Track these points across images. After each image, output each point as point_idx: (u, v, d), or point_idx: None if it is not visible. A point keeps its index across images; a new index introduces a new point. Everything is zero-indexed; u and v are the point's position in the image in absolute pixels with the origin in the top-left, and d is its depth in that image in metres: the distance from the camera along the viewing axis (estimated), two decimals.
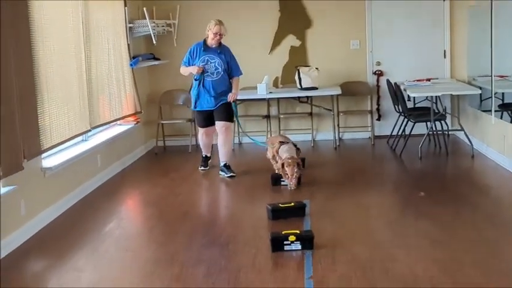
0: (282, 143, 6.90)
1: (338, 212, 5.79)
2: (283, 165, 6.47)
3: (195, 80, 7.27)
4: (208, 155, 7.74)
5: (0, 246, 4.53)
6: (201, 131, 7.56)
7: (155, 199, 6.66)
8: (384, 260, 4.52)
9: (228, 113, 7.35)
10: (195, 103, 7.36)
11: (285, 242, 4.78)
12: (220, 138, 7.36)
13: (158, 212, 6.17)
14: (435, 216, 5.52)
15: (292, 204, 5.72)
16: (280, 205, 5.67)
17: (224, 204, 6.69)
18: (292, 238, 4.77)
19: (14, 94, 5.10)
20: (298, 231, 4.87)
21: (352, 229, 5.29)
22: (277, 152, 6.80)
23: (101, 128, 7.64)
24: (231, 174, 7.28)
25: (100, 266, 4.73)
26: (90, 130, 6.99)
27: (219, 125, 7.33)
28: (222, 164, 7.39)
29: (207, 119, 7.40)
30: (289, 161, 6.44)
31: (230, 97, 7.25)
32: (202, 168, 7.70)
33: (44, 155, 5.91)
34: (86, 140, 7.27)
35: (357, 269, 4.36)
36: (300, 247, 4.76)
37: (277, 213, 5.57)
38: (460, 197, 6.20)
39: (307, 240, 4.79)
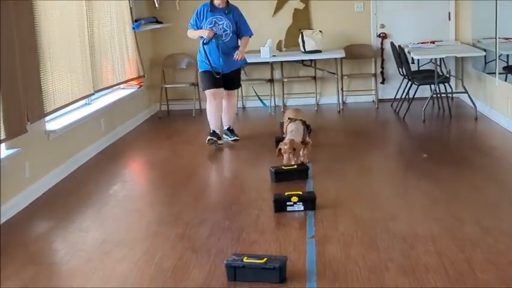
0: (290, 120, 6.21)
1: (341, 174, 5.82)
2: (279, 150, 5.84)
3: (204, 44, 6.90)
4: (217, 130, 7.04)
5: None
6: (209, 95, 6.97)
7: (159, 162, 6.71)
8: (385, 219, 4.56)
9: (237, 80, 7.20)
10: (202, 63, 6.99)
11: (287, 203, 4.82)
12: (223, 104, 7.12)
13: (162, 175, 6.21)
14: (437, 177, 5.55)
15: (295, 166, 5.75)
16: (283, 167, 5.70)
17: (228, 167, 6.73)
18: (294, 199, 4.81)
19: (17, 58, 5.11)
20: (300, 193, 4.91)
21: (354, 190, 5.33)
22: (285, 131, 6.19)
23: (104, 92, 7.65)
24: (235, 137, 7.16)
25: (105, 226, 4.80)
26: (93, 94, 7.00)
27: (225, 91, 7.09)
28: (225, 127, 7.24)
29: (216, 80, 6.91)
30: (285, 147, 5.78)
31: (237, 55, 6.87)
32: (213, 140, 6.87)
33: (47, 118, 5.93)
34: (89, 104, 7.28)
35: (358, 228, 4.41)
36: (302, 208, 4.81)
37: (280, 176, 5.60)
38: (462, 159, 6.22)
39: (309, 201, 4.84)
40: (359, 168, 6.03)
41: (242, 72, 7.30)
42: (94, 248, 4.29)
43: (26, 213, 5.13)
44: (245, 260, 3.69)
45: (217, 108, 7.02)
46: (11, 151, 5.09)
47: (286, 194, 4.90)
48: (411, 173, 5.89)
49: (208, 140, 6.88)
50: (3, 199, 4.94)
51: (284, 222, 4.66)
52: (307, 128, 6.18)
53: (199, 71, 7.12)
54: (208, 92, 6.97)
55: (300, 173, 5.69)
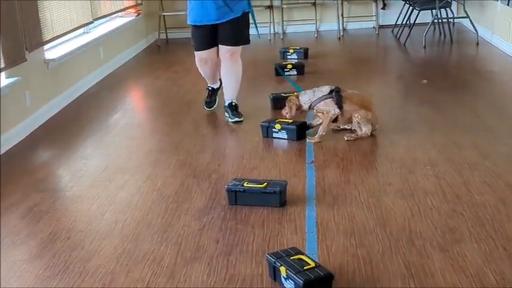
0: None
1: None
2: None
3: None
4: (215, 85, 5.71)
5: None
6: (197, 57, 5.43)
7: (159, 91, 6.71)
8: (384, 144, 4.61)
9: (238, 32, 5.27)
10: (192, 13, 5.24)
11: (273, 130, 4.87)
12: (223, 67, 5.40)
13: (162, 103, 6.22)
14: (436, 103, 5.56)
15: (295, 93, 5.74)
16: (282, 94, 5.70)
17: None
18: (278, 127, 4.84)
19: None
20: (289, 121, 4.90)
21: None
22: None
23: (102, 21, 7.57)
24: (236, 118, 5.35)
25: (106, 154, 4.84)
26: (92, 22, 6.93)
27: (223, 49, 5.30)
28: (226, 102, 5.46)
29: (207, 38, 5.29)
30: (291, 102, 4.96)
31: None
32: (206, 107, 5.73)
33: (46, 47, 5.90)
34: (87, 33, 7.22)
35: (357, 153, 4.46)
36: (286, 136, 4.82)
37: (278, 102, 5.61)
38: (462, 84, 6.22)
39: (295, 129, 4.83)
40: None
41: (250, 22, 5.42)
42: (96, 175, 4.35)
43: (28, 141, 5.17)
44: (245, 184, 3.75)
45: (212, 70, 5.54)
46: (11, 80, 5.08)
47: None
48: (411, 99, 5.90)
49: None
50: (5, 128, 4.97)
51: (284, 149, 4.71)
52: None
53: (190, 24, 5.33)
54: (197, 54, 5.42)
55: None
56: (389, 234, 3.29)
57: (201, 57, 5.39)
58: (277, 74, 6.74)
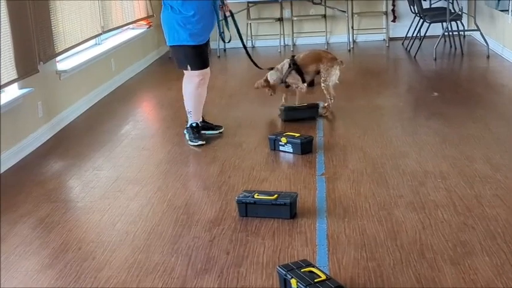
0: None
1: (351, 112, 5.83)
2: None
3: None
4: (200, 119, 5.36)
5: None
6: (199, 77, 5.12)
7: (169, 102, 6.73)
8: (395, 157, 4.60)
9: None
10: (192, 33, 4.95)
11: (279, 143, 4.86)
12: (204, 89, 5.27)
13: (172, 114, 6.24)
14: (447, 116, 5.56)
15: (305, 104, 5.76)
16: (293, 106, 5.72)
17: (238, 107, 6.73)
18: (284, 140, 4.84)
19: None
20: (295, 135, 4.89)
21: (364, 129, 5.34)
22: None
23: (114, 32, 7.63)
24: (220, 129, 5.46)
25: (117, 164, 4.86)
26: (101, 33, 6.98)
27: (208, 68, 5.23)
28: (194, 123, 5.26)
29: (206, 55, 5.20)
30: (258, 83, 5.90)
31: (226, 7, 5.23)
32: (196, 143, 5.16)
33: (58, 58, 5.95)
34: (99, 44, 7.27)
35: (368, 166, 4.45)
36: (291, 150, 4.81)
37: (290, 113, 5.62)
38: (473, 97, 6.21)
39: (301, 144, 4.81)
40: (369, 106, 6.04)
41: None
42: (108, 186, 4.37)
43: (40, 152, 5.20)
44: (256, 196, 3.75)
45: (204, 93, 5.32)
46: (24, 90, 5.12)
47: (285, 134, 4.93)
48: (421, 111, 5.89)
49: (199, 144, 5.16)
50: (17, 138, 5.01)
51: (294, 161, 4.71)
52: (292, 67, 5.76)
53: (187, 44, 4.98)
54: (200, 74, 5.13)
55: (310, 109, 5.69)
56: (400, 247, 3.28)
57: (204, 76, 5.17)
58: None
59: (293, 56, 5.88)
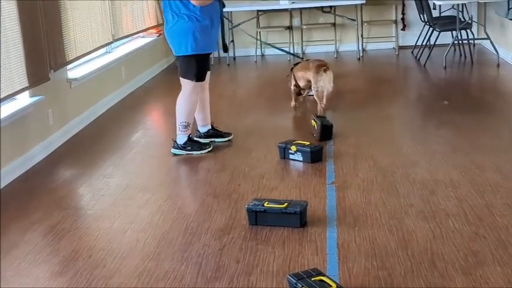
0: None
1: (361, 121, 5.83)
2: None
3: (202, 12, 4.91)
4: (207, 127, 5.49)
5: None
6: (198, 87, 5.12)
7: None
8: (405, 165, 4.59)
9: None
10: (208, 41, 5.01)
11: (289, 152, 4.86)
12: (207, 94, 5.39)
13: None
14: (458, 124, 5.54)
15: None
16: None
17: (247, 114, 6.74)
18: (293, 148, 4.84)
19: (38, 6, 5.14)
20: (305, 143, 4.89)
21: (374, 137, 5.33)
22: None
23: (124, 41, 7.67)
24: (229, 137, 5.51)
25: (127, 172, 4.87)
26: (112, 42, 7.01)
27: (207, 77, 5.31)
28: (209, 127, 5.47)
29: (207, 65, 5.27)
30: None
31: None
32: (208, 149, 5.20)
33: (69, 66, 5.98)
34: (109, 52, 7.31)
35: (378, 174, 4.44)
36: (301, 159, 4.82)
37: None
38: (483, 106, 6.19)
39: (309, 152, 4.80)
40: (379, 115, 6.03)
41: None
42: (118, 194, 4.38)
43: (51, 159, 5.23)
44: (266, 204, 3.75)
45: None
46: (34, 98, 5.15)
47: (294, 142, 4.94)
48: (432, 120, 5.88)
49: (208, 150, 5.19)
50: (28, 146, 5.03)
51: (304, 169, 4.71)
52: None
53: (196, 53, 4.98)
54: (198, 85, 5.12)
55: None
56: (411, 256, 3.26)
57: (201, 86, 5.17)
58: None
59: (295, 64, 6.39)
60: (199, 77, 5.08)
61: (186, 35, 4.92)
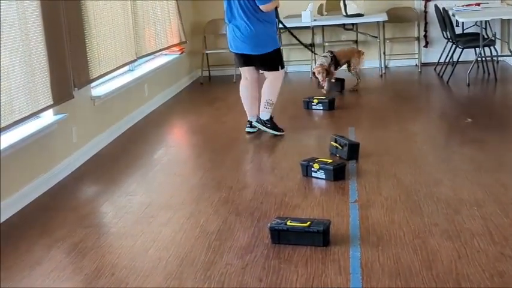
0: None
1: (383, 138, 5.80)
2: (314, 73, 7.97)
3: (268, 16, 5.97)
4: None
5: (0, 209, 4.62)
6: (283, 73, 6.34)
7: (201, 127, 6.77)
8: (429, 184, 4.54)
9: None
10: (274, 40, 6.12)
11: (312, 169, 4.84)
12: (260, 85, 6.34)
13: (205, 140, 6.28)
14: (481, 142, 5.48)
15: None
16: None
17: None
18: (316, 166, 4.82)
19: (63, 25, 5.20)
20: (328, 161, 4.87)
21: (397, 155, 5.30)
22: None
23: (147, 58, 7.73)
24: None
25: (150, 190, 4.89)
26: (136, 60, 7.07)
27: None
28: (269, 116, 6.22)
29: None
30: (318, 69, 7.61)
31: None
32: (281, 132, 6.10)
33: (93, 84, 6.04)
34: (132, 70, 7.37)
35: (401, 193, 4.41)
36: (324, 176, 4.79)
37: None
38: (508, 123, 6.13)
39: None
40: (402, 132, 5.99)
41: None
42: (140, 211, 4.39)
43: (74, 177, 5.26)
44: (288, 223, 3.73)
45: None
46: (58, 116, 5.20)
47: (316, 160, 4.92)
48: (455, 138, 5.83)
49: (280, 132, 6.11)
50: (52, 163, 5.08)
51: (327, 187, 4.68)
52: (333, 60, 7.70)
53: (278, 47, 6.14)
54: (284, 71, 6.39)
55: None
56: (436, 276, 3.22)
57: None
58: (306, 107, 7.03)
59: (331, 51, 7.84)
60: (282, 65, 6.22)
61: (269, 35, 6.00)
